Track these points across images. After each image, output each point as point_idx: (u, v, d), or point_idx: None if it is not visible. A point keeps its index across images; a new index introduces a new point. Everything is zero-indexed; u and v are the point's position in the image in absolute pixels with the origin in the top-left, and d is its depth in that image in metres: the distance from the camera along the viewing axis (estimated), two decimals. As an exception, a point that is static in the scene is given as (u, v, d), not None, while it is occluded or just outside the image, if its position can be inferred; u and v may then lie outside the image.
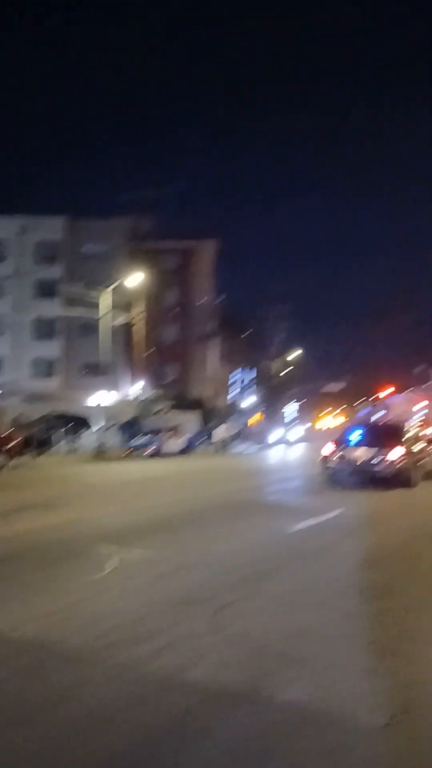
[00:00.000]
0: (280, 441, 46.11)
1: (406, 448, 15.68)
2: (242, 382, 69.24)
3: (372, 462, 15.32)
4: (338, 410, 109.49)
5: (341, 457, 15.93)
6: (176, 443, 31.51)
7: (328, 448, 16.37)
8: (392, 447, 15.46)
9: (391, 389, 56.27)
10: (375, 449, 15.55)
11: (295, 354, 69.73)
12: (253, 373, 69.26)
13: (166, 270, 47.37)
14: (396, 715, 3.36)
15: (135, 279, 34.46)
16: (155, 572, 6.42)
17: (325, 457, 16.28)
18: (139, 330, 35.72)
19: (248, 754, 3.04)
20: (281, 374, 64.05)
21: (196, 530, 9.11)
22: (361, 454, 15.66)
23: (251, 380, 72.15)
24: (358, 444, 16.28)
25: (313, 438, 58.34)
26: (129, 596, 5.60)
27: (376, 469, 15.26)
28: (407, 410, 47.33)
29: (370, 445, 15.94)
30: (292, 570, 6.68)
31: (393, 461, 15.15)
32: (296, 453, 36.62)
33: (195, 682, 3.80)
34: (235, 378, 63.31)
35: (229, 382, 61.01)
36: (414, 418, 48.18)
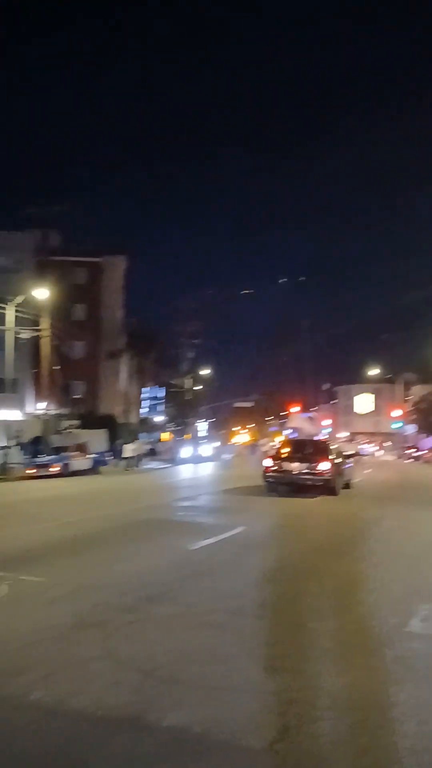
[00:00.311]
0: (191, 458, 46.10)
1: (331, 461, 18.29)
2: (153, 399, 69.02)
3: (304, 473, 17.96)
4: (248, 427, 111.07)
5: (279, 469, 18.59)
6: (83, 461, 30.89)
7: (268, 462, 19.12)
8: (321, 461, 18.09)
9: (297, 408, 59.78)
10: (306, 462, 18.15)
11: (205, 371, 70.33)
12: (164, 390, 69.22)
13: (74, 285, 46.67)
14: (276, 736, 3.39)
15: (42, 293, 33.74)
16: (47, 597, 6.22)
17: (266, 468, 18.82)
18: (46, 345, 34.87)
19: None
20: (191, 391, 64.28)
21: (94, 552, 8.93)
22: (296, 466, 18.25)
23: (161, 397, 72.06)
24: (292, 458, 18.90)
25: (223, 455, 58.82)
26: (17, 623, 5.40)
27: (308, 478, 17.88)
28: (313, 428, 49.43)
29: (301, 459, 18.54)
30: (187, 590, 6.64)
31: (322, 472, 17.78)
32: (206, 470, 36.72)
33: (80, 709, 3.71)
34: (146, 395, 62.95)
35: (140, 399, 60.55)
36: (320, 434, 50.40)
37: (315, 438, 31.01)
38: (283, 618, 5.64)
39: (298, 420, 53.77)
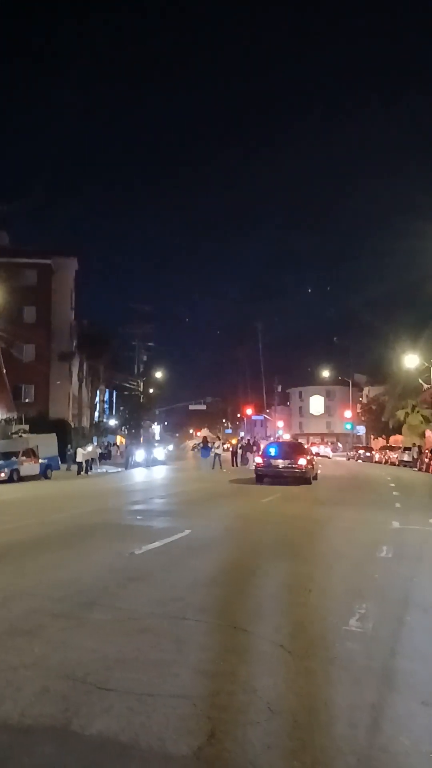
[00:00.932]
0: (144, 462, 45.76)
1: (306, 459, 24.67)
2: (106, 402, 68.38)
3: (287, 466, 23.86)
4: (202, 430, 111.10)
5: (267, 464, 24.58)
6: (33, 466, 30.32)
7: (258, 459, 25.90)
8: (300, 457, 24.39)
9: (249, 410, 61.56)
10: (288, 459, 24.21)
11: (158, 374, 70.02)
12: (117, 393, 68.67)
13: (24, 287, 45.84)
14: (204, 741, 3.32)
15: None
16: (-20, 605, 6.01)
17: (257, 464, 25.36)
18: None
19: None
20: (145, 394, 63.89)
21: (33, 558, 8.71)
22: (280, 462, 24.26)
23: (115, 401, 71.44)
24: (277, 455, 24.93)
25: (176, 458, 58.64)
26: None
27: (290, 471, 23.65)
28: (267, 429, 51.54)
29: (284, 456, 24.60)
30: (126, 595, 6.52)
31: (301, 466, 23.76)
32: (158, 474, 36.50)
33: (4, 718, 3.57)
34: (98, 399, 62.31)
35: (92, 403, 59.87)
36: (275, 436, 52.88)
37: (293, 441, 37.73)
38: (221, 621, 5.57)
39: (254, 421, 55.79)
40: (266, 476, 24.17)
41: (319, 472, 27.60)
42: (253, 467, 26.40)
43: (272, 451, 26.00)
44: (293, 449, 26.20)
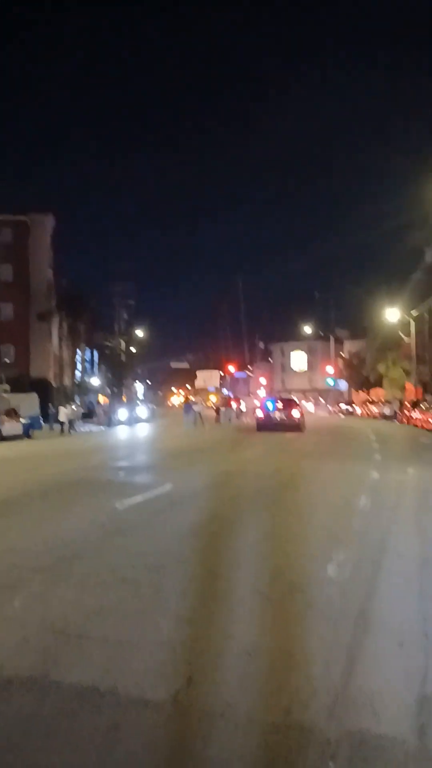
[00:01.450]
0: (127, 420, 45.79)
1: (299, 411, 30.43)
2: (87, 361, 67.97)
3: (284, 417, 29.18)
4: (184, 388, 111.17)
5: (267, 416, 29.73)
6: (15, 426, 30.20)
7: (260, 413, 31.06)
8: (293, 410, 30.03)
9: (232, 368, 62.61)
10: (285, 411, 29.62)
11: (140, 333, 69.57)
12: (98, 352, 68.23)
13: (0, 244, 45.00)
14: (183, 685, 3.36)
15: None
16: (-40, 561, 6.01)
17: (259, 417, 30.75)
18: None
19: (29, 738, 2.91)
20: (126, 353, 63.57)
21: (15, 515, 8.72)
22: (278, 414, 29.50)
23: (96, 360, 71.05)
24: (275, 409, 30.02)
25: (160, 416, 58.77)
26: None
27: (286, 421, 28.82)
28: (250, 385, 52.97)
29: (281, 409, 29.90)
30: (107, 548, 6.56)
31: (295, 417, 29.22)
32: (141, 432, 36.60)
33: (-17, 672, 3.58)
34: (80, 358, 61.89)
35: (74, 362, 59.48)
36: (258, 391, 54.86)
37: (288, 397, 40.07)
38: (200, 571, 5.63)
39: (237, 378, 57.19)
40: (266, 426, 28.89)
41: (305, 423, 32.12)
42: (242, 422, 34.07)
43: (270, 405, 31.00)
44: (288, 404, 31.43)
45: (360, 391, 70.52)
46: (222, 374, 77.86)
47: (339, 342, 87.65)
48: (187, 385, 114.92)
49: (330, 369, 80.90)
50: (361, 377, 68.69)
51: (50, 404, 40.11)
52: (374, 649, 3.88)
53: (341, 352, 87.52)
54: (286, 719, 3.04)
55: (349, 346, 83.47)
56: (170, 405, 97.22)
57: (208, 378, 53.81)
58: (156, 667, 3.60)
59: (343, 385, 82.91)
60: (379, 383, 60.16)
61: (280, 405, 30.80)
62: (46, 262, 51.87)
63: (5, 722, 3.04)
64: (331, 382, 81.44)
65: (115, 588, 5.11)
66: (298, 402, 35.04)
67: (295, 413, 29.64)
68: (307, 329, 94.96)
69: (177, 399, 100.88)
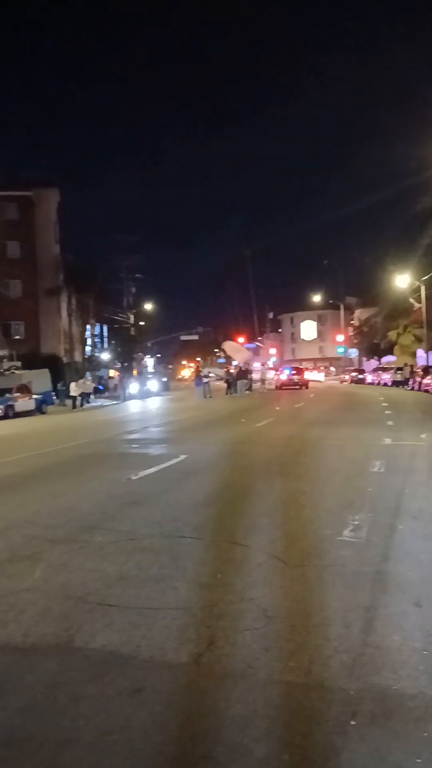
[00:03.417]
0: (138, 394, 45.93)
1: (304, 375, 50.12)
2: (97, 336, 67.98)
3: (295, 379, 46.96)
4: (195, 360, 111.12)
5: (286, 379, 47.55)
6: (28, 402, 30.39)
7: (283, 377, 48.63)
8: (302, 374, 49.55)
9: (242, 339, 65.46)
10: (297, 375, 47.98)
11: (148, 306, 69.37)
12: (108, 327, 68.18)
13: (5, 221, 44.79)
14: (204, 648, 3.42)
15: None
16: (-20, 534, 6.10)
17: (280, 380, 48.37)
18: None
19: (55, 702, 2.97)
20: (136, 326, 63.45)
21: (32, 488, 8.82)
22: (294, 377, 47.42)
23: (106, 335, 71.03)
24: (290, 374, 48.16)
25: (171, 389, 58.86)
26: None
27: (297, 381, 46.67)
28: (258, 357, 57.53)
29: (294, 374, 48.32)
30: (124, 518, 6.63)
31: (303, 379, 47.99)
32: (153, 405, 36.71)
33: (7, 640, 3.67)
34: (89, 333, 61.87)
35: (83, 337, 59.49)
36: (269, 362, 59.70)
37: (298, 366, 57.44)
38: (217, 538, 5.69)
39: (246, 349, 59.54)
40: (285, 385, 46.20)
41: (310, 384, 49.59)
42: (263, 389, 46.29)
43: (287, 372, 50.00)
44: (298, 371, 50.52)
45: (371, 359, 70.20)
46: (255, 345, 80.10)
47: (349, 310, 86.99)
48: (198, 358, 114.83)
49: (340, 337, 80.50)
50: (372, 345, 68.33)
51: (62, 380, 40.29)
52: (392, 610, 3.92)
53: (352, 320, 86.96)
54: (307, 679, 3.09)
55: (360, 314, 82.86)
56: (181, 378, 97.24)
57: (234, 351, 56.01)
58: (177, 632, 3.66)
59: (354, 353, 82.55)
60: (390, 350, 59.82)
61: (293, 372, 49.51)
62: (52, 238, 51.66)
63: (32, 688, 3.10)
64: (341, 350, 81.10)
65: (134, 556, 5.18)
66: (303, 369, 54.48)
67: (303, 376, 48.99)
68: (317, 298, 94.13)
69: (187, 372, 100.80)
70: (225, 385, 46.94)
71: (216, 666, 3.26)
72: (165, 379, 63.32)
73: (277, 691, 3.00)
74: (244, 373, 47.06)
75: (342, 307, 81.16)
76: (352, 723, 2.71)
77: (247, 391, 43.87)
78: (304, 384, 46.22)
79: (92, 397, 39.24)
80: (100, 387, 48.35)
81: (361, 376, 60.96)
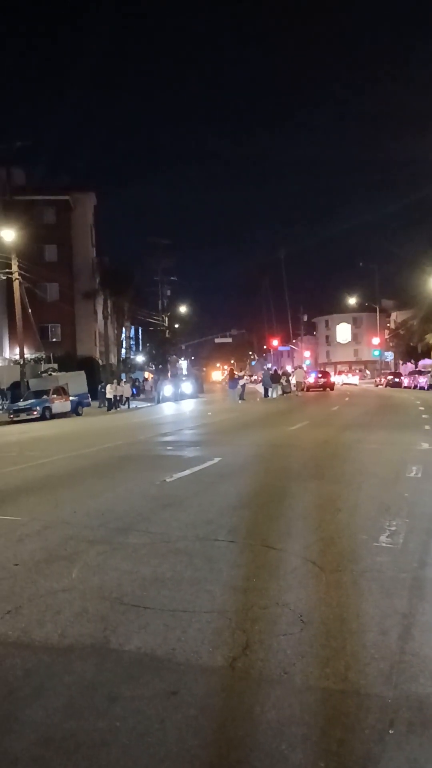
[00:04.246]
0: (172, 396, 46.13)
1: (330, 378, 54.96)
2: (132, 338, 68.52)
3: (321, 383, 50.99)
4: (229, 363, 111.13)
5: (314, 382, 51.31)
6: (64, 404, 30.81)
7: (307, 380, 50.98)
8: (328, 378, 54.15)
9: (275, 341, 69.56)
10: (323, 378, 52.87)
11: (183, 309, 69.69)
12: (142, 329, 68.68)
13: (43, 224, 45.41)
14: (239, 653, 3.41)
15: (9, 234, 32.76)
16: (18, 534, 6.20)
17: (308, 382, 50.21)
18: (18, 288, 34.12)
19: (91, 703, 2.99)
20: (170, 329, 63.78)
21: (68, 489, 8.92)
22: (319, 380, 52.20)
23: (141, 337, 71.56)
24: (317, 377, 53.25)
25: (205, 392, 58.97)
26: (-14, 561, 5.36)
27: (323, 383, 50.81)
28: (294, 359, 60.43)
29: (321, 377, 53.40)
30: (159, 520, 6.65)
31: (329, 382, 52.48)
32: (187, 407, 36.84)
33: (44, 640, 3.71)
34: (124, 335, 62.41)
35: (119, 340, 60.04)
36: (304, 364, 64.28)
37: (323, 370, 64.81)
38: (252, 541, 5.67)
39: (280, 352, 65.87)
40: (311, 388, 48.82)
41: (336, 386, 55.53)
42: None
43: (313, 375, 54.52)
44: (324, 374, 55.54)
45: (407, 362, 69.30)
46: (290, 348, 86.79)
47: (385, 312, 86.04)
48: (232, 360, 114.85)
49: (376, 340, 79.67)
50: (409, 348, 67.43)
51: (101, 382, 40.62)
52: (429, 617, 3.85)
53: (387, 323, 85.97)
54: (344, 685, 3.06)
55: (396, 316, 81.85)
56: (214, 380, 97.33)
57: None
58: (212, 635, 3.66)
59: (389, 356, 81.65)
60: (427, 354, 59.00)
61: (319, 375, 54.96)
62: (88, 241, 52.26)
63: (69, 688, 3.13)
64: (377, 353, 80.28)
65: (168, 558, 5.20)
66: (328, 372, 60.56)
67: (328, 379, 53.32)
68: (352, 301, 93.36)
69: (220, 374, 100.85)
70: (258, 387, 47.07)
71: (251, 670, 3.25)
72: (199, 382, 63.46)
73: (313, 697, 2.98)
74: (277, 376, 46.81)
75: (378, 309, 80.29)
76: (390, 731, 2.68)
77: (286, 393, 43.75)
78: (329, 386, 50.76)
79: (126, 399, 39.37)
80: (134, 390, 48.71)
81: (397, 380, 60.21)
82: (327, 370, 67.06)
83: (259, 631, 3.68)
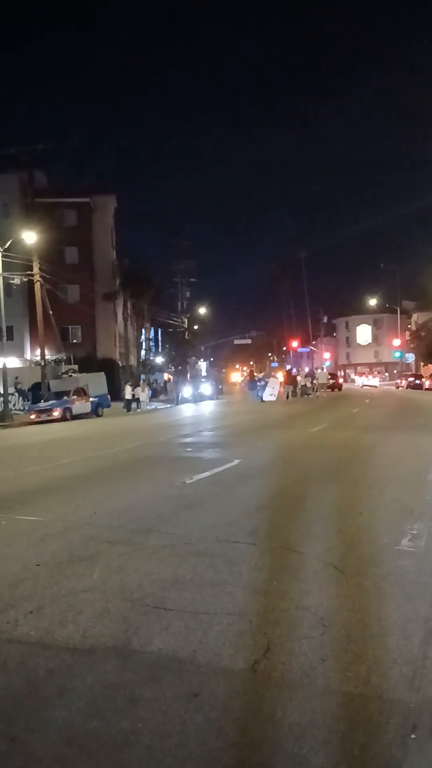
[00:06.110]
0: (192, 397, 46.20)
1: (340, 380, 67.54)
2: (151, 340, 68.70)
3: (331, 383, 57.86)
4: (248, 365, 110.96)
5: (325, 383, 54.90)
6: (84, 405, 31.00)
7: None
8: (338, 379, 65.69)
9: (295, 343, 73.01)
10: (332, 380, 59.84)
11: (202, 310, 69.77)
12: (162, 331, 68.83)
13: (64, 227, 45.76)
14: (260, 655, 3.41)
15: (30, 237, 33.04)
16: (40, 535, 6.25)
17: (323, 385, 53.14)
18: (39, 290, 34.42)
19: (113, 704, 3.01)
20: (190, 330, 63.87)
21: (89, 490, 8.97)
22: (329, 381, 57.17)
23: (160, 338, 71.72)
24: (328, 378, 57.77)
25: (224, 393, 58.99)
26: (9, 561, 5.42)
27: (333, 385, 57.82)
28: (314, 361, 62.00)
29: (330, 379, 58.68)
30: (179, 521, 6.67)
31: (338, 383, 62.07)
32: (206, 408, 36.87)
33: (66, 640, 3.74)
34: (144, 337, 62.63)
35: (138, 341, 60.29)
36: (324, 365, 67.73)
37: (333, 372, 70.78)
38: (272, 544, 5.67)
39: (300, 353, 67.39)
40: (323, 389, 50.11)
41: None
42: (306, 396, 45.21)
43: (326, 378, 56.09)
44: (332, 375, 62.99)
45: (428, 364, 68.69)
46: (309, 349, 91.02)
47: (406, 314, 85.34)
48: (251, 362, 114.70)
49: (397, 342, 79.09)
50: (430, 349, 66.79)
51: (118, 383, 40.81)
52: (453, 622, 3.83)
53: (408, 324, 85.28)
54: (366, 689, 3.05)
55: (417, 318, 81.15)
56: (233, 382, 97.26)
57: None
58: (233, 637, 3.66)
59: (410, 357, 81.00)
60: (448, 355, 58.46)
61: (329, 377, 58.92)
62: (109, 243, 52.54)
63: (92, 688, 3.16)
64: (398, 355, 79.68)
65: (189, 560, 5.21)
66: (336, 374, 69.27)
67: (337, 380, 62.02)
68: (372, 302, 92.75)
69: (239, 376, 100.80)
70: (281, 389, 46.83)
71: (273, 673, 3.25)
72: (218, 383, 63.50)
73: (335, 701, 2.97)
74: (293, 378, 46.51)
75: (398, 310, 79.68)
76: (412, 736, 2.67)
77: (307, 396, 43.61)
78: (338, 387, 58.43)
79: (146, 400, 39.43)
80: (150, 393, 48.90)
81: (418, 382, 59.74)
82: (335, 373, 75.55)
83: (280, 634, 3.68)
